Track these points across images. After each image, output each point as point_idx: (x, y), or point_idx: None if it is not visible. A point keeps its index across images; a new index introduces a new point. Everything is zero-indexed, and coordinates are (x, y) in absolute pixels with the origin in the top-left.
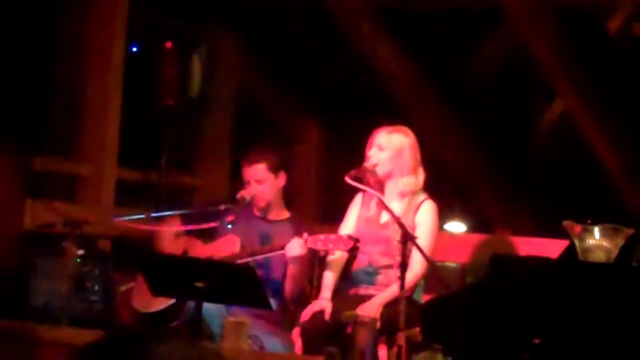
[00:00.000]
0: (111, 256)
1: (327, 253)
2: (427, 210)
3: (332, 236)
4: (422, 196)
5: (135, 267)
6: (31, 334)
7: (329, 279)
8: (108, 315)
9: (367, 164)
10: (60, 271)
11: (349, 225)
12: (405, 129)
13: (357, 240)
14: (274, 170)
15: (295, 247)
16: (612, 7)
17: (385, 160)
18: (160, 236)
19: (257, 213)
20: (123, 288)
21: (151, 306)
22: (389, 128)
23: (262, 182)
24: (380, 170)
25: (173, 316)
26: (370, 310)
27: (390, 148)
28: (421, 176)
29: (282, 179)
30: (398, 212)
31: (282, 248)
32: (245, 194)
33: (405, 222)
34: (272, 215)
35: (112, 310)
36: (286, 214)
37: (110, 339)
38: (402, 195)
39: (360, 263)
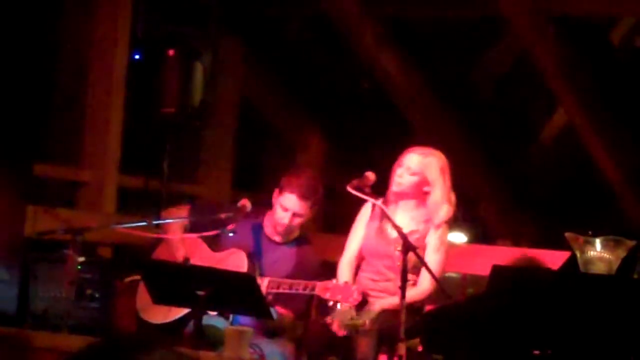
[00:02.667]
0: (112, 263)
1: (334, 303)
2: (443, 234)
3: (342, 285)
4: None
5: (136, 275)
6: (31, 341)
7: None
8: (108, 323)
9: (369, 174)
10: (61, 278)
11: (357, 237)
12: (439, 153)
13: (366, 296)
14: (313, 207)
15: None
16: (615, 19)
17: (412, 184)
18: (169, 242)
19: (266, 230)
20: (127, 279)
21: (155, 315)
22: (422, 150)
23: (300, 216)
24: (399, 188)
25: (179, 327)
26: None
27: (420, 175)
28: (453, 201)
29: (312, 214)
30: (409, 228)
31: (312, 289)
32: (247, 203)
33: (414, 238)
34: (282, 239)
35: (113, 317)
36: (296, 233)
37: (89, 350)
38: (438, 226)
39: (366, 275)
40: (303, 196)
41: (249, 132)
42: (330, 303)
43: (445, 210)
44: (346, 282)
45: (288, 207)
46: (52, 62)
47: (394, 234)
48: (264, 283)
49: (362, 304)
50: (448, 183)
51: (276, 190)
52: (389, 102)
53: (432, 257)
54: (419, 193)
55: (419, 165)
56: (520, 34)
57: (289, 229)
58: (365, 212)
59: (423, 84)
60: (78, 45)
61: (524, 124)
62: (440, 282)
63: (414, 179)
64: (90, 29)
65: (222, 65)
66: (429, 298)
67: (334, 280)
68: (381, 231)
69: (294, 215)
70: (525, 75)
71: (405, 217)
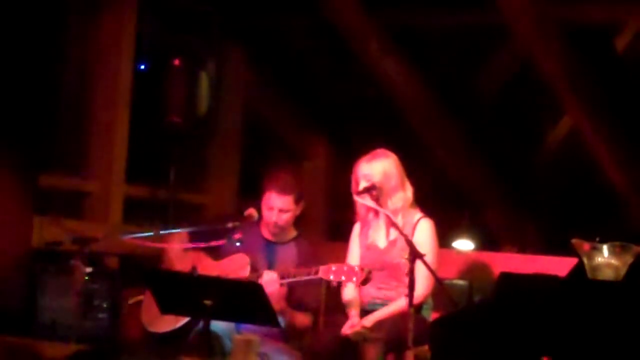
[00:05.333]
0: (119, 273)
1: (339, 284)
2: (425, 229)
3: (345, 267)
4: (418, 214)
5: (143, 285)
6: (39, 351)
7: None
8: (116, 333)
9: (375, 182)
10: (68, 288)
11: (354, 258)
12: (384, 151)
13: (369, 272)
14: (298, 201)
15: (268, 284)
16: (619, 25)
17: (378, 186)
18: (168, 253)
19: (263, 233)
20: (131, 301)
21: (161, 325)
22: (368, 157)
23: (286, 212)
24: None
25: (183, 335)
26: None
27: (377, 175)
28: (409, 190)
29: (300, 208)
30: (395, 232)
31: (315, 273)
32: (254, 212)
33: (401, 244)
34: (278, 238)
35: (120, 327)
36: (293, 234)
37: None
38: (395, 212)
39: (370, 289)
40: (282, 192)
41: (255, 141)
42: (335, 284)
43: (399, 197)
44: (349, 264)
45: (272, 205)
46: (57, 73)
47: (382, 243)
48: (273, 276)
49: (366, 281)
50: (401, 174)
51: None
52: (393, 110)
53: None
54: (388, 191)
55: (369, 169)
56: (524, 40)
57: (279, 227)
58: (355, 233)
59: (427, 91)
60: (83, 56)
61: (529, 130)
62: (440, 282)
63: (374, 181)
64: (95, 40)
65: (226, 74)
66: (433, 298)
67: (337, 263)
68: (372, 245)
69: (280, 211)
70: (530, 81)
71: (384, 229)
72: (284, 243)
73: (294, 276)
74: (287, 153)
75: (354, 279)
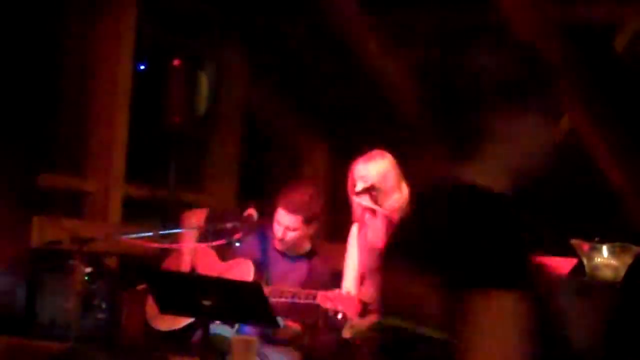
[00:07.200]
0: (118, 273)
1: (335, 313)
2: None
3: (344, 294)
4: None
5: (143, 284)
6: (38, 351)
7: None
8: (115, 333)
9: (372, 183)
10: (67, 288)
11: (352, 260)
12: (380, 151)
13: (367, 305)
14: (309, 222)
15: None
16: (619, 24)
17: (376, 187)
18: (178, 253)
19: (276, 245)
20: (139, 287)
21: (164, 323)
22: (364, 158)
23: (293, 230)
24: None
25: (187, 335)
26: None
27: (373, 176)
28: (405, 191)
29: (313, 229)
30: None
31: (313, 298)
32: (254, 212)
33: None
34: (290, 251)
35: (119, 327)
36: (307, 247)
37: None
38: (393, 212)
39: (369, 290)
40: (291, 211)
41: (254, 141)
42: (331, 313)
43: (394, 197)
44: (348, 292)
45: (280, 221)
46: (56, 73)
47: (380, 244)
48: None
49: (363, 314)
50: (397, 174)
51: None
52: (393, 110)
53: None
54: (385, 192)
55: (366, 170)
56: (523, 40)
57: (285, 243)
58: (352, 235)
59: (428, 93)
60: (82, 56)
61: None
62: None
63: (371, 182)
64: (95, 40)
65: (226, 75)
66: None
67: (336, 290)
68: (370, 246)
69: (287, 229)
70: None
71: (383, 229)
72: (294, 257)
73: (292, 297)
74: (287, 154)
75: (351, 309)
